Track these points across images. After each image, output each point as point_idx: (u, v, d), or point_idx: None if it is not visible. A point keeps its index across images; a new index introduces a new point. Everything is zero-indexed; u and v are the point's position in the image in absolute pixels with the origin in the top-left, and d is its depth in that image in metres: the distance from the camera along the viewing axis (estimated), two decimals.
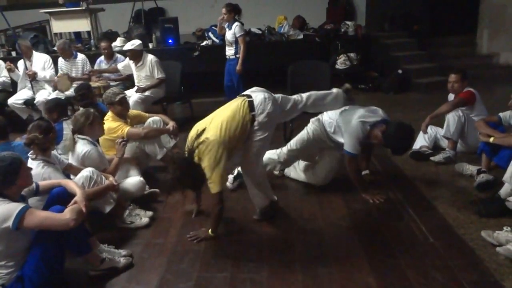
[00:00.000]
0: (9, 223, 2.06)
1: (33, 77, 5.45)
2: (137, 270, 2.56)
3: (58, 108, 3.87)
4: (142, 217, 3.09)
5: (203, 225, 3.01)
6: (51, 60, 5.70)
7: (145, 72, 5.21)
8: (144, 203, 3.31)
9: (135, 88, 5.21)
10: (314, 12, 8.46)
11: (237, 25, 5.26)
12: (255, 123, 2.77)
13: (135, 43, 5.12)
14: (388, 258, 2.54)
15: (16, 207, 2.10)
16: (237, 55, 5.35)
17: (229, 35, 5.35)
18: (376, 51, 7.63)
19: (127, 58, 5.35)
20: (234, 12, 5.30)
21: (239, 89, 5.32)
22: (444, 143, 4.06)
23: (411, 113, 5.59)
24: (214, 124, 2.69)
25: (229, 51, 5.44)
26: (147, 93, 5.12)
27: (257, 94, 2.86)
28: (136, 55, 5.16)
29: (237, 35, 5.26)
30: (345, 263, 2.52)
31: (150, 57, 5.23)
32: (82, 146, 3.11)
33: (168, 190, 3.55)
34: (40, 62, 5.63)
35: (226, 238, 2.86)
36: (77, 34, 7.96)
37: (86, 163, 3.06)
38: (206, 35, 7.12)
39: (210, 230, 2.80)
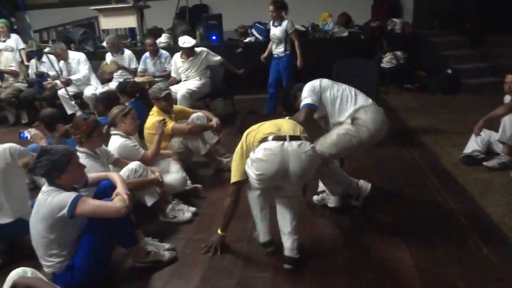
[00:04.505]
0: (65, 211, 2.13)
1: (67, 84, 5.63)
2: (179, 264, 2.58)
3: (106, 101, 3.96)
4: (185, 212, 3.11)
5: (244, 221, 2.94)
6: (85, 58, 5.88)
7: (200, 64, 5.34)
8: (186, 199, 3.34)
9: (181, 84, 5.30)
10: (359, 9, 8.26)
11: (288, 21, 5.17)
12: None
13: (191, 41, 5.31)
14: (438, 268, 2.42)
15: (70, 196, 2.17)
16: (287, 52, 5.24)
17: (278, 31, 5.21)
18: (424, 49, 7.35)
19: (173, 59, 5.49)
20: (282, 8, 5.16)
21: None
22: (499, 147, 3.84)
23: (460, 115, 5.35)
24: None
25: (278, 49, 5.30)
26: (194, 88, 5.20)
27: None
28: (193, 50, 5.35)
29: (290, 31, 5.14)
30: (391, 270, 2.43)
31: (201, 48, 5.45)
32: (116, 140, 3.20)
33: (211, 186, 3.56)
34: (75, 60, 5.83)
35: None
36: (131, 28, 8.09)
37: (123, 153, 3.14)
38: (249, 31, 7.11)
39: (219, 229, 2.68)
